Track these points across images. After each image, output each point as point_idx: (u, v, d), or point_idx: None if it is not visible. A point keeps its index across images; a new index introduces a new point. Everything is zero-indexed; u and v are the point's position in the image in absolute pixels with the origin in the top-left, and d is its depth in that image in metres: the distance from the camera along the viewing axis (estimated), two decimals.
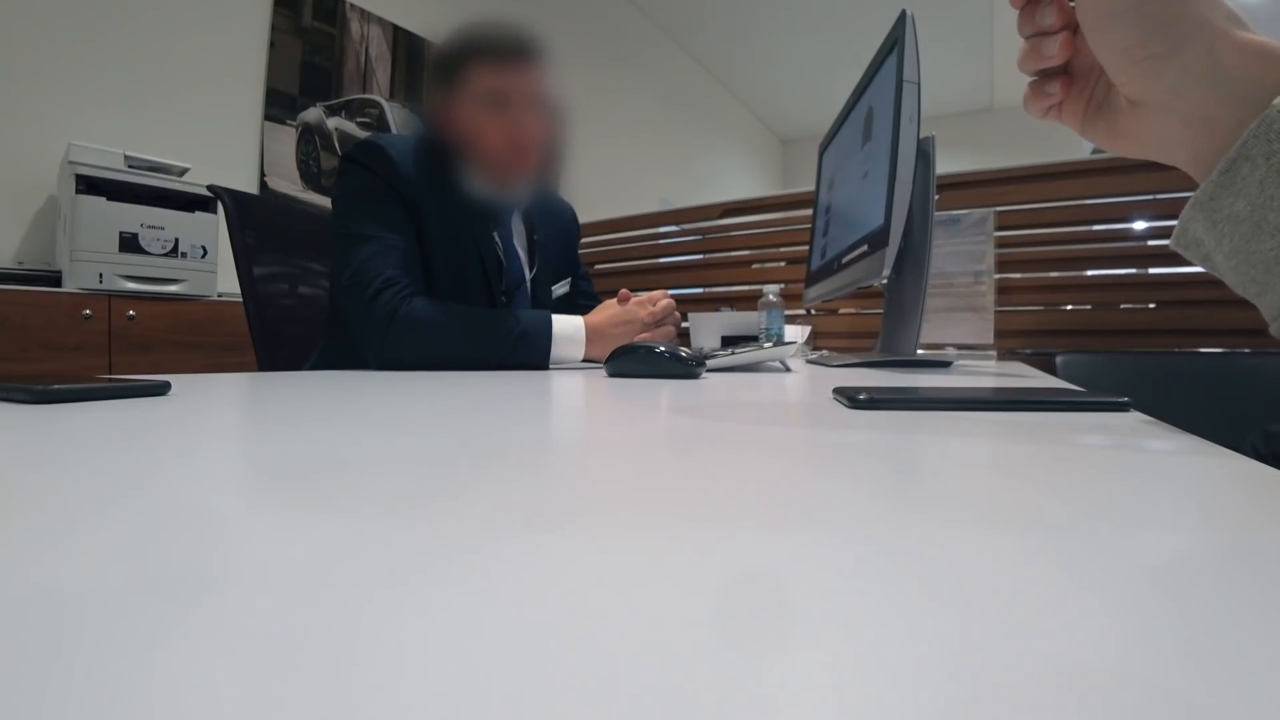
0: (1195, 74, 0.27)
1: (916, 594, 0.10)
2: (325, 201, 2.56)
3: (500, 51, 0.90)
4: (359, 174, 0.91)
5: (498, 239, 0.99)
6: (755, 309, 1.35)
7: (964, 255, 1.35)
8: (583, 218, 1.28)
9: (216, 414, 0.36)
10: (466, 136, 0.91)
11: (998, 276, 1.44)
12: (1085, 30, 0.30)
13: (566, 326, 0.89)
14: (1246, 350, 1.36)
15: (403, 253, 0.89)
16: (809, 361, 1.07)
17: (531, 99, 0.91)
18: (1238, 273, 0.26)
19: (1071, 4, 0.33)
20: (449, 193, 0.93)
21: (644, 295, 1.00)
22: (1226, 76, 0.26)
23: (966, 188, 1.62)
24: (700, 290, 2.21)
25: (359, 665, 0.08)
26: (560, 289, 1.13)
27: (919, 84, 0.74)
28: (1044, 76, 0.36)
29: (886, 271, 0.76)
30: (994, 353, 1.28)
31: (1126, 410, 0.37)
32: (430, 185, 0.92)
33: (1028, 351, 1.52)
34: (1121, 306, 1.50)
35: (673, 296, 1.06)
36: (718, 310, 1.84)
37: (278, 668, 0.08)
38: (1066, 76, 0.36)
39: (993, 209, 1.38)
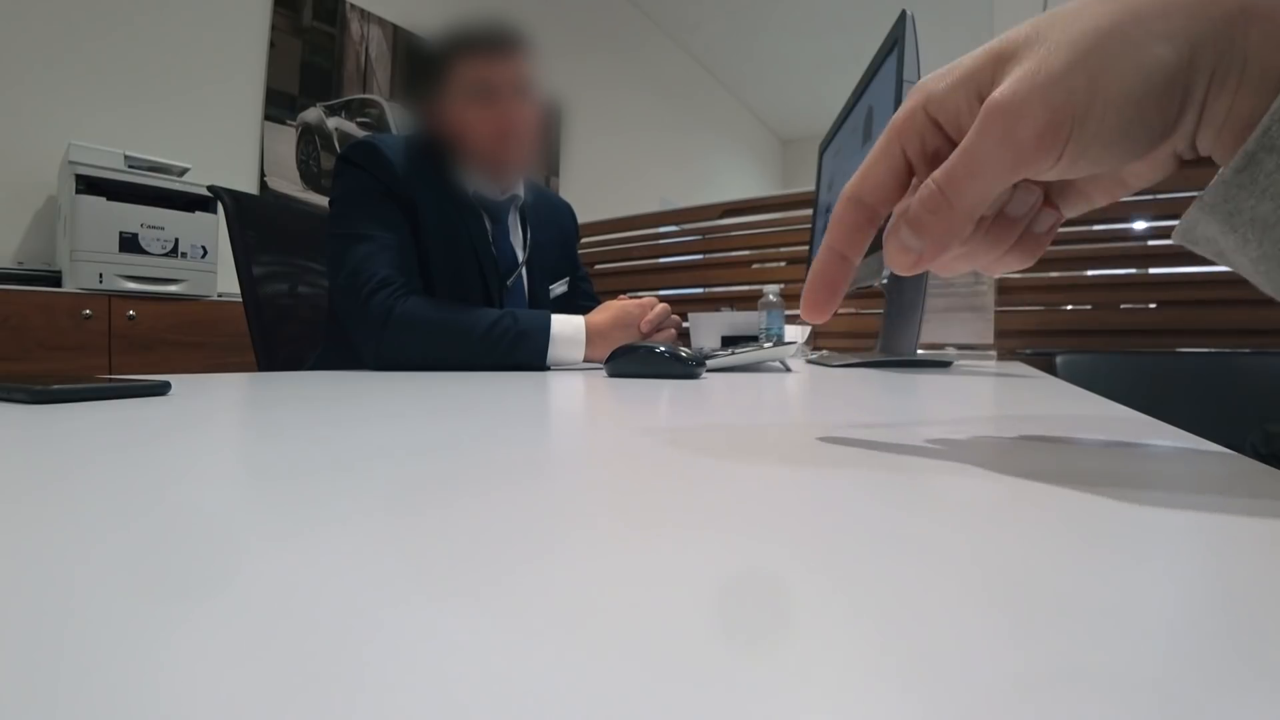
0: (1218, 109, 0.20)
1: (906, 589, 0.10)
2: (325, 201, 2.57)
3: (483, 43, 0.91)
4: (354, 174, 0.91)
5: (490, 232, 0.99)
6: (755, 309, 1.35)
7: None
8: (582, 218, 1.28)
9: (216, 414, 0.36)
10: (457, 130, 0.92)
11: (998, 276, 1.44)
12: (1086, 172, 0.22)
13: (566, 327, 0.89)
14: (1246, 350, 1.36)
15: (398, 252, 0.89)
16: (809, 361, 1.07)
17: (518, 89, 0.92)
18: (1269, 280, 0.21)
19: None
20: (443, 188, 0.94)
21: (641, 299, 1.00)
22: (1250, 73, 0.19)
23: None
24: (700, 290, 2.21)
25: (360, 667, 0.08)
26: (558, 289, 1.13)
27: None
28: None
29: (886, 271, 0.76)
30: (994, 353, 1.28)
31: None
32: (424, 182, 0.92)
33: (1028, 351, 1.52)
34: (1121, 306, 1.50)
35: (673, 296, 1.06)
36: (718, 310, 1.84)
37: (278, 670, 0.08)
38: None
39: None
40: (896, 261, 0.24)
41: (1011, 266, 0.27)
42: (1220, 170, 0.20)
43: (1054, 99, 0.20)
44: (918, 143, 0.24)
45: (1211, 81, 0.19)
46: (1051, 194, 0.26)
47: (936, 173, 0.22)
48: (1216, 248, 0.22)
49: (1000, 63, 0.21)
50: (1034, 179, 0.22)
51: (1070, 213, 0.27)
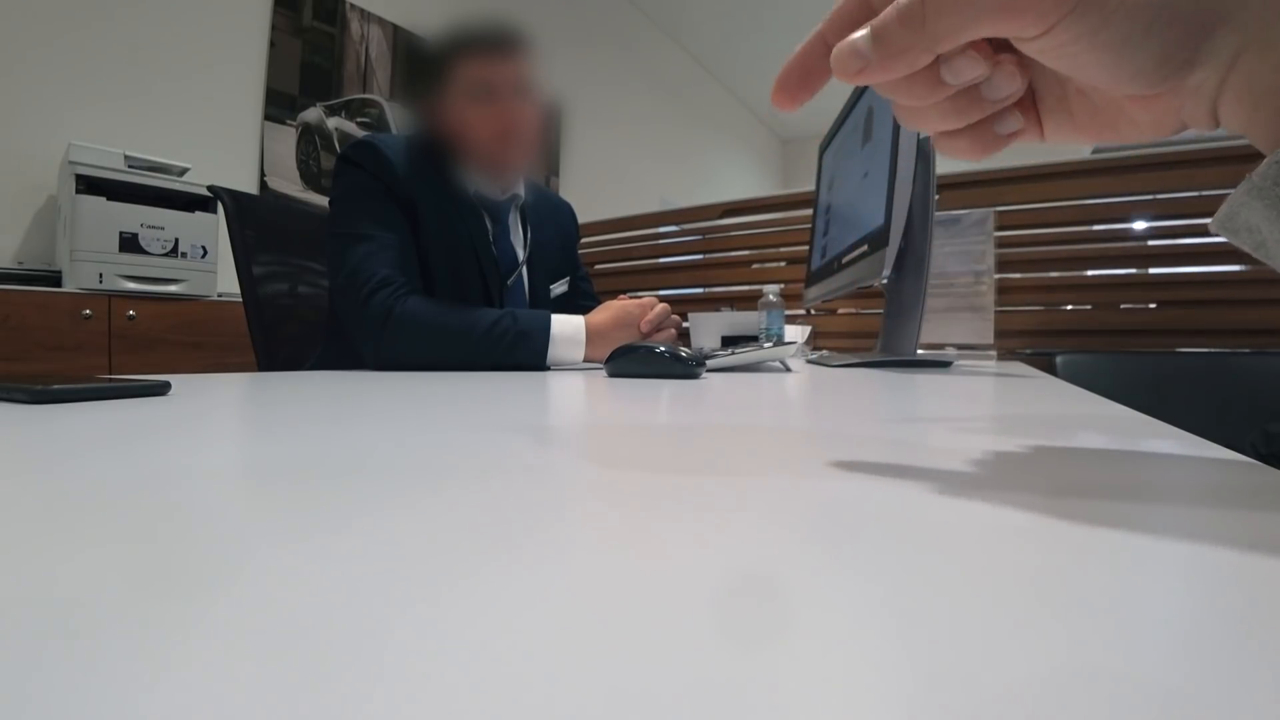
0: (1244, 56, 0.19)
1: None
2: (325, 201, 2.57)
3: (484, 43, 0.91)
4: (354, 174, 0.91)
5: (490, 231, 0.99)
6: (755, 309, 1.35)
7: (964, 255, 1.35)
8: (582, 218, 1.28)
9: (216, 414, 0.36)
10: (457, 130, 0.92)
11: (998, 276, 1.44)
12: (1068, 71, 0.21)
13: (566, 327, 0.89)
14: (1246, 350, 1.36)
15: (398, 251, 0.89)
16: (809, 361, 1.07)
17: (518, 89, 0.92)
18: None
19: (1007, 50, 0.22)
20: (443, 188, 0.94)
21: (641, 299, 1.00)
22: None
23: (966, 188, 1.62)
24: (700, 290, 2.21)
25: (359, 666, 0.08)
26: (559, 288, 1.13)
27: None
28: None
29: (886, 271, 0.76)
30: (994, 353, 1.28)
31: None
32: (425, 181, 0.92)
33: (1028, 351, 1.52)
34: (1121, 306, 1.50)
35: (673, 296, 1.06)
36: (718, 310, 1.84)
37: (277, 669, 0.08)
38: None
39: (993, 209, 1.38)
40: (841, 60, 0.22)
41: (957, 151, 0.25)
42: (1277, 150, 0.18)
43: None
44: None
45: (1250, 44, 0.18)
46: (1041, 103, 0.25)
47: None
48: (1258, 238, 0.20)
49: None
50: (1016, 39, 0.21)
51: (1051, 135, 0.25)
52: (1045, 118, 0.25)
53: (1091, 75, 0.20)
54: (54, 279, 1.75)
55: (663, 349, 0.67)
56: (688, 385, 0.58)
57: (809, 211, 1.45)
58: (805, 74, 0.25)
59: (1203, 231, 1.39)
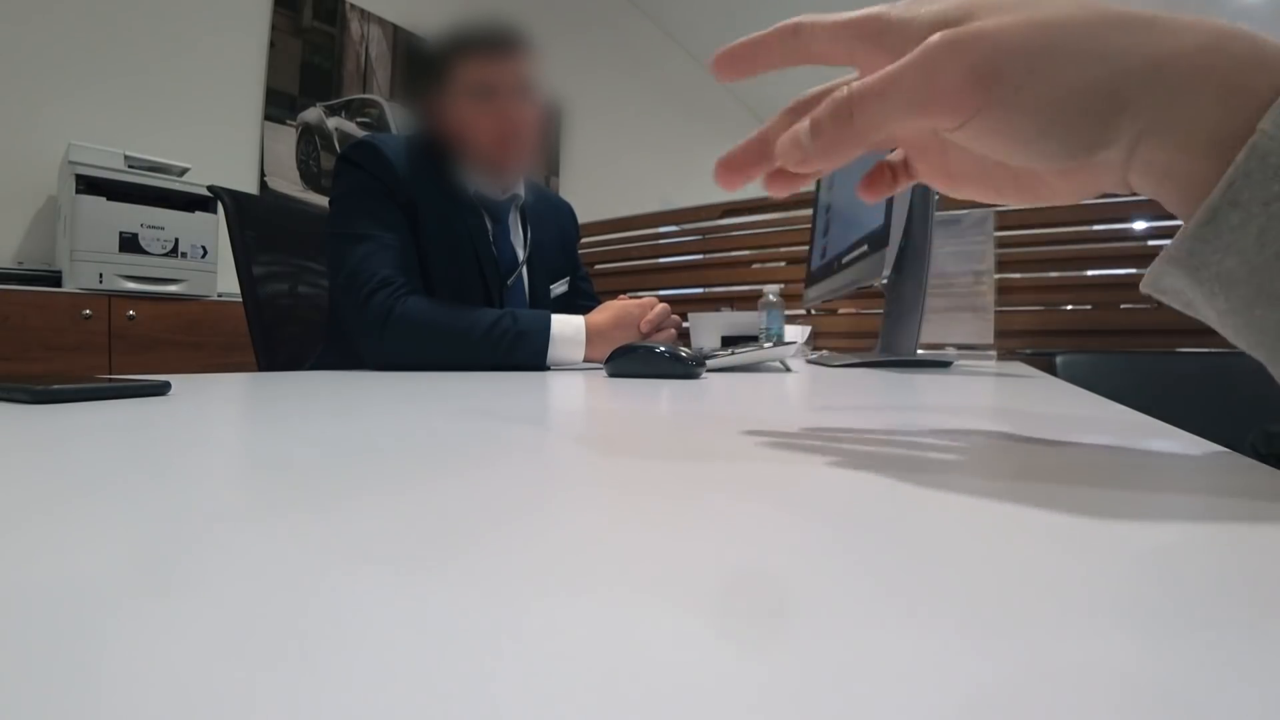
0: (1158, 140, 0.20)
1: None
2: (325, 201, 2.56)
3: (484, 44, 0.91)
4: (354, 174, 0.91)
5: (490, 231, 0.99)
6: (755, 309, 1.35)
7: (964, 255, 1.35)
8: (582, 218, 1.28)
9: (216, 414, 0.36)
10: (457, 130, 0.92)
11: (998, 276, 1.44)
12: (986, 153, 0.23)
13: (566, 327, 0.89)
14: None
15: (398, 251, 0.89)
16: (809, 361, 1.07)
17: (518, 89, 0.92)
18: (1238, 334, 0.22)
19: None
20: (443, 188, 0.94)
21: (641, 299, 1.00)
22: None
23: None
24: (700, 290, 2.21)
25: (356, 664, 0.08)
26: (559, 288, 1.13)
27: None
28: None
29: (886, 271, 0.76)
30: (994, 353, 1.28)
31: None
32: (425, 181, 0.92)
33: (1028, 351, 1.52)
34: (1121, 306, 1.50)
35: (673, 296, 1.06)
36: (718, 310, 1.84)
37: (275, 666, 0.08)
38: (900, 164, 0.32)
39: (993, 209, 1.38)
40: (785, 150, 0.24)
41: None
42: (1187, 224, 0.20)
43: (983, 67, 0.20)
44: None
45: (1148, 129, 0.20)
46: (956, 173, 0.28)
47: (854, 83, 0.22)
48: (1185, 299, 0.22)
49: (971, 12, 0.21)
50: (941, 127, 0.22)
51: (963, 195, 0.29)
52: (959, 185, 0.29)
53: (1006, 158, 0.23)
54: (54, 279, 1.75)
55: (662, 349, 0.67)
56: (687, 385, 0.58)
57: (809, 211, 1.45)
58: (744, 166, 0.28)
59: None
